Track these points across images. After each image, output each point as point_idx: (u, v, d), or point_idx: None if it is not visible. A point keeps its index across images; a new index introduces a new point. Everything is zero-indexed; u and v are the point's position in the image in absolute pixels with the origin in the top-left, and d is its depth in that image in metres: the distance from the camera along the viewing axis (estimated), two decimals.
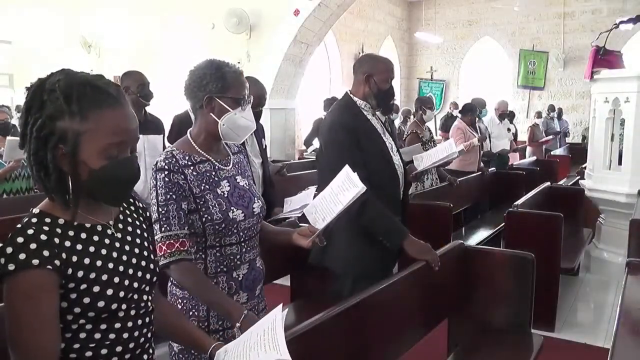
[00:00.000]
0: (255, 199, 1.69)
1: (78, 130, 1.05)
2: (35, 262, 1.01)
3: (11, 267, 1.01)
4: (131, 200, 1.29)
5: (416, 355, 2.39)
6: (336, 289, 2.45)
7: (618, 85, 4.38)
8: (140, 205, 1.31)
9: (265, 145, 3.06)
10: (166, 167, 1.55)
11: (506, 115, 7.02)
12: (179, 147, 1.62)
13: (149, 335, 1.22)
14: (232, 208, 1.60)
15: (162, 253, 1.52)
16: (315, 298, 2.75)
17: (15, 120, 7.62)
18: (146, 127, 3.31)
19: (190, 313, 1.61)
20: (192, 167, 1.58)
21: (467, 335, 2.52)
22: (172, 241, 1.52)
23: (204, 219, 1.57)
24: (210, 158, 1.63)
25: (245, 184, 1.70)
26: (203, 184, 1.58)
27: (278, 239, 1.82)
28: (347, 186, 1.68)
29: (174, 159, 1.57)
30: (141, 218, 1.28)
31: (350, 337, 1.85)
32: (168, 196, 1.53)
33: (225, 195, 1.61)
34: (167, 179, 1.54)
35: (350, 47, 11.86)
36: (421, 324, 2.33)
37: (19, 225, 1.06)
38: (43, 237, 1.04)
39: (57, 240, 1.06)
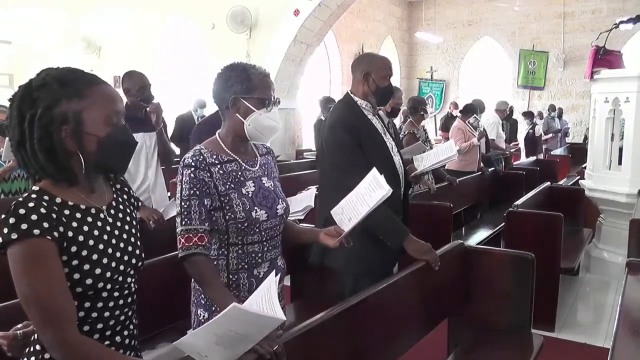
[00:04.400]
0: (280, 200, 1.72)
1: (78, 108, 1.16)
2: (36, 232, 1.09)
3: (14, 235, 1.08)
4: (125, 188, 1.37)
5: (416, 355, 2.39)
6: (337, 289, 2.45)
7: (618, 85, 4.38)
8: (133, 194, 1.40)
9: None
10: (193, 163, 1.59)
11: (506, 116, 7.06)
12: (208, 146, 1.66)
13: (130, 313, 1.30)
14: (255, 208, 1.63)
15: (180, 246, 1.55)
16: (315, 298, 2.76)
17: None
18: (146, 124, 3.28)
19: (214, 308, 1.62)
20: (218, 166, 1.62)
21: (467, 335, 2.52)
22: (190, 235, 1.55)
23: (227, 217, 1.61)
24: (237, 158, 1.67)
25: (271, 185, 1.72)
26: (228, 183, 1.62)
27: (303, 238, 1.86)
28: (373, 187, 1.70)
29: (202, 157, 1.60)
30: (131, 207, 1.36)
31: (350, 337, 1.85)
32: (191, 192, 1.57)
33: (250, 195, 1.64)
34: (192, 175, 1.57)
35: (350, 47, 11.86)
36: (421, 324, 2.33)
37: (19, 199, 1.13)
38: (43, 210, 1.12)
39: (54, 215, 1.13)
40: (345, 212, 1.72)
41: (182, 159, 1.62)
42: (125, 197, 1.36)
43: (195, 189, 1.57)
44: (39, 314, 1.10)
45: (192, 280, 1.69)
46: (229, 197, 1.60)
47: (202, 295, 1.65)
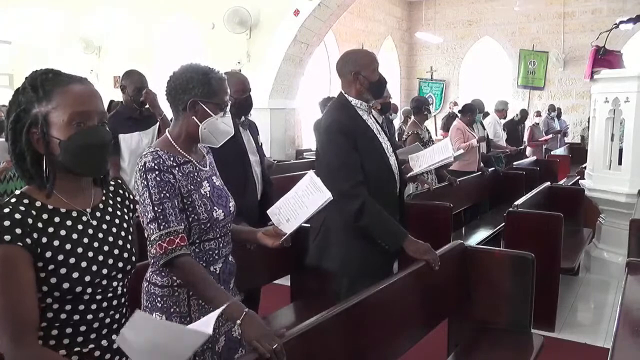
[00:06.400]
0: (229, 198, 1.76)
1: (46, 111, 1.15)
2: (7, 238, 1.08)
3: None
4: (120, 190, 1.35)
5: (416, 355, 2.39)
6: (335, 291, 2.45)
7: (618, 85, 4.38)
8: (128, 195, 1.37)
9: (261, 143, 3.05)
10: (156, 167, 1.57)
11: (505, 116, 7.08)
12: (162, 147, 1.65)
13: (117, 317, 1.28)
14: (214, 208, 1.66)
15: (164, 251, 1.53)
16: (315, 298, 2.75)
17: None
18: (143, 122, 3.28)
19: (172, 310, 1.62)
20: (177, 168, 1.62)
21: (467, 335, 2.52)
22: (172, 237, 1.54)
23: (190, 219, 1.61)
24: (192, 159, 1.68)
25: (220, 183, 1.76)
26: (189, 185, 1.63)
27: (242, 238, 1.85)
28: (311, 191, 1.70)
29: (161, 160, 1.59)
30: (125, 209, 1.33)
31: (350, 337, 1.85)
32: (162, 194, 1.56)
33: (208, 196, 1.66)
34: (158, 179, 1.56)
35: (350, 47, 11.82)
36: (421, 324, 2.33)
37: None
38: (17, 216, 1.11)
39: (30, 220, 1.13)
40: (282, 213, 1.72)
41: (143, 163, 1.58)
42: (118, 199, 1.34)
43: (164, 192, 1.56)
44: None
45: (147, 283, 1.66)
46: (191, 198, 1.62)
47: (158, 299, 1.62)
